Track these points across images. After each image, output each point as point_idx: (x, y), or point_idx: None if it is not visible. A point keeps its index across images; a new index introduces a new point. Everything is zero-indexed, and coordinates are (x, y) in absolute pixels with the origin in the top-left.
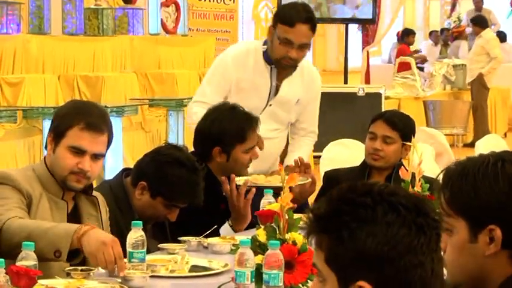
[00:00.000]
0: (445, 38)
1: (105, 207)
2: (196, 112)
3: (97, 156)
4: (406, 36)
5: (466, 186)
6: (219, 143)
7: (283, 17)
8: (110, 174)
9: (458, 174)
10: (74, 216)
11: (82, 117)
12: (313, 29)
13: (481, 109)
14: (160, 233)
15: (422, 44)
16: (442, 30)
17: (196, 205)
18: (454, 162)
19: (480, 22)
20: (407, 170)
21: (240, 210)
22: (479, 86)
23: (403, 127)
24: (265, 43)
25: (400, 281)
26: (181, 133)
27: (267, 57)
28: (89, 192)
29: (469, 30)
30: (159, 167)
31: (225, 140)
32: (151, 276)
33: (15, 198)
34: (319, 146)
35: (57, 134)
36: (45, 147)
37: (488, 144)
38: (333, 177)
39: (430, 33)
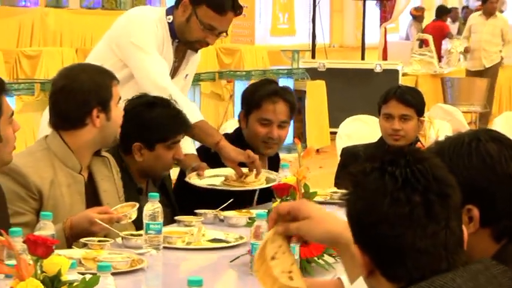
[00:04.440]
0: (465, 15)
1: (116, 167)
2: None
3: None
4: (444, 14)
5: None
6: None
7: (214, 1)
8: None
9: (434, 155)
10: (90, 183)
11: (109, 74)
12: (237, 15)
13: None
14: (165, 199)
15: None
16: (463, 8)
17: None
18: (435, 141)
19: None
20: (423, 146)
21: None
22: (497, 69)
23: (416, 103)
24: (168, 12)
25: None
26: (198, 107)
27: (173, 31)
28: (100, 153)
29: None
30: (138, 122)
31: None
32: (168, 248)
33: (17, 204)
34: (335, 122)
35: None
36: (68, 128)
37: (507, 121)
38: (352, 153)
39: (449, 11)
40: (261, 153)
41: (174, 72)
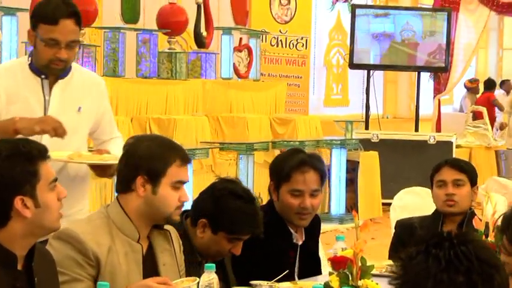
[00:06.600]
0: None
1: (178, 241)
2: None
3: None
4: (492, 87)
5: None
6: None
7: (44, 15)
8: None
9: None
10: (149, 254)
11: (176, 153)
12: (78, 23)
13: None
14: (221, 273)
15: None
16: None
17: (258, 235)
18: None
19: None
20: (480, 220)
21: None
22: None
23: (469, 170)
24: (30, 55)
25: None
26: (251, 177)
27: (35, 69)
28: (161, 226)
29: None
30: (216, 202)
31: None
32: None
33: (75, 270)
34: (387, 193)
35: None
36: (120, 191)
37: None
38: (406, 226)
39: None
40: (296, 225)
41: (46, 109)
